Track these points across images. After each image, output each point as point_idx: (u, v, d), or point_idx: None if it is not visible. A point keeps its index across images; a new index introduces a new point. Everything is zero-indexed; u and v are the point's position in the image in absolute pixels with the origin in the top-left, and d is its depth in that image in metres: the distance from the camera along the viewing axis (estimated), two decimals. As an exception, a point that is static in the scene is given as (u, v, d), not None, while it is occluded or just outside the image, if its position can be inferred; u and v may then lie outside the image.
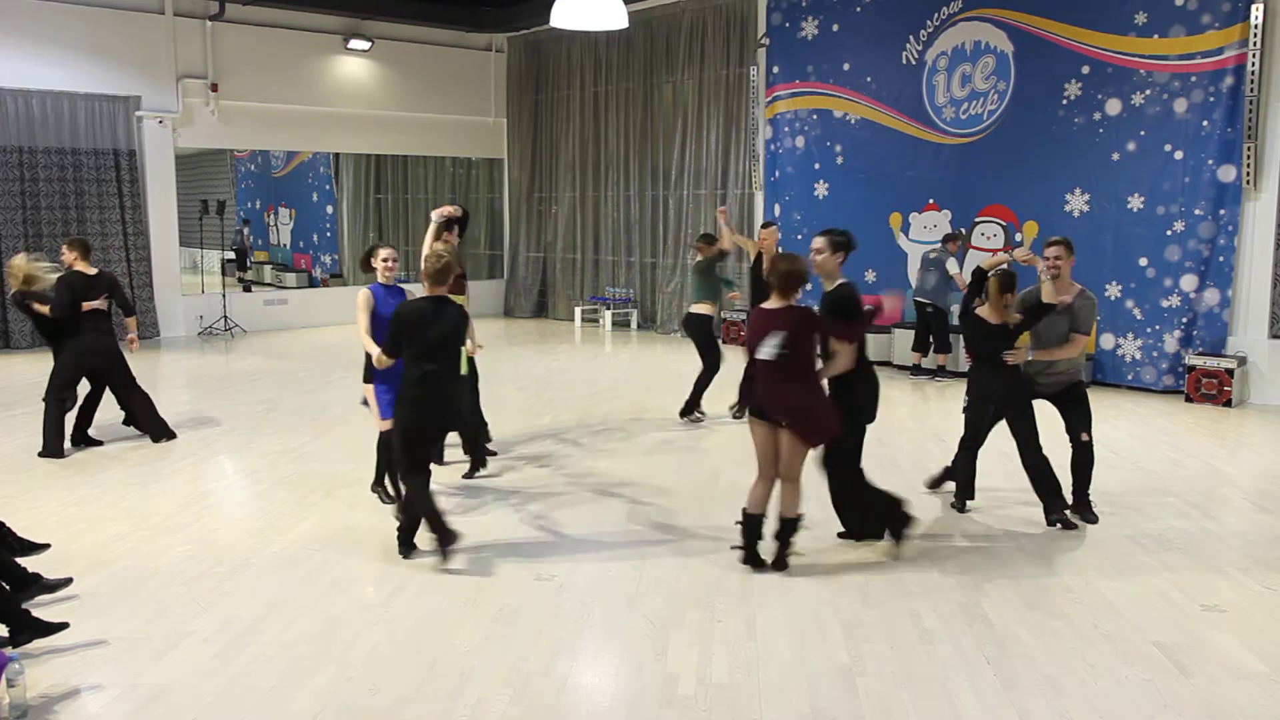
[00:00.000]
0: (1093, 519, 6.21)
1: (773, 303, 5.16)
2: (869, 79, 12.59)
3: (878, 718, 3.87)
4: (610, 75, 15.82)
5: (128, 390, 8.19)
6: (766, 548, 5.34)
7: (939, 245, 11.18)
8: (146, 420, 8.24)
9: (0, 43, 12.84)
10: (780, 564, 5.28)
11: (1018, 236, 11.39)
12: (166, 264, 14.31)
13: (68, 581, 4.98)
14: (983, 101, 11.58)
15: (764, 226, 9.63)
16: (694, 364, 9.62)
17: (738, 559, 5.35)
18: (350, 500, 6.63)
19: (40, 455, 7.76)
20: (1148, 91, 10.26)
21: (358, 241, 18.20)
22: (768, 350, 5.03)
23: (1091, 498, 6.31)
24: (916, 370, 11.40)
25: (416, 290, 5.64)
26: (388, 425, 5.95)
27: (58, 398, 7.83)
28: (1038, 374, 6.20)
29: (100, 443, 8.14)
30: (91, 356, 7.90)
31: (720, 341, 10.38)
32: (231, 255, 14.85)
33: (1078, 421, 6.18)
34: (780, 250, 8.99)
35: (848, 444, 5.39)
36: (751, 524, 5.32)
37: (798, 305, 5.14)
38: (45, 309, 7.73)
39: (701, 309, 9.03)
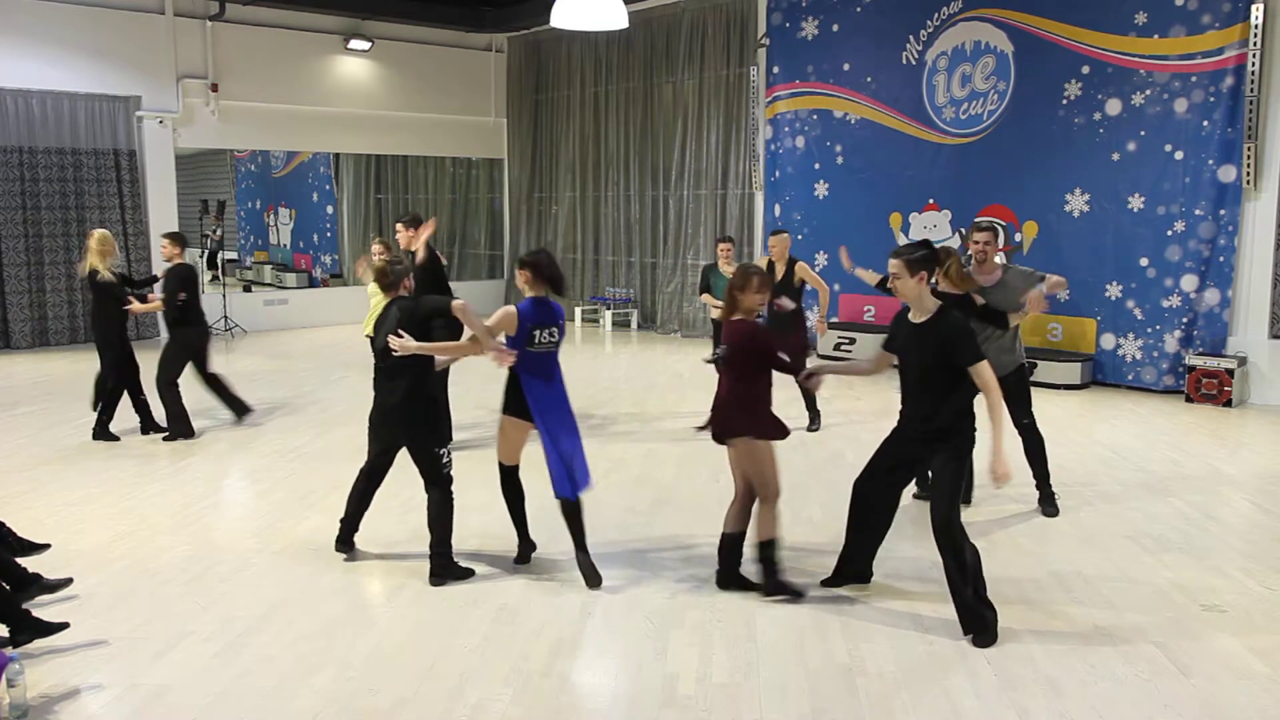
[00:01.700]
0: (1053, 512, 6.32)
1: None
2: (869, 79, 12.59)
3: (878, 718, 3.87)
4: (610, 75, 15.82)
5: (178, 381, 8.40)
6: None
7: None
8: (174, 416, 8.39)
9: (0, 43, 12.85)
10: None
11: (1017, 236, 11.39)
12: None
13: (68, 581, 4.98)
14: (983, 101, 11.58)
15: (774, 234, 9.19)
16: (693, 363, 9.63)
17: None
18: (350, 500, 6.63)
19: (166, 439, 8.16)
20: (1148, 91, 10.26)
21: (358, 242, 18.19)
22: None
23: (1055, 490, 6.43)
24: None
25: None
26: None
27: (172, 384, 8.18)
28: None
29: (117, 438, 8.22)
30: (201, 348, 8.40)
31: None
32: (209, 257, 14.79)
33: (1019, 408, 6.26)
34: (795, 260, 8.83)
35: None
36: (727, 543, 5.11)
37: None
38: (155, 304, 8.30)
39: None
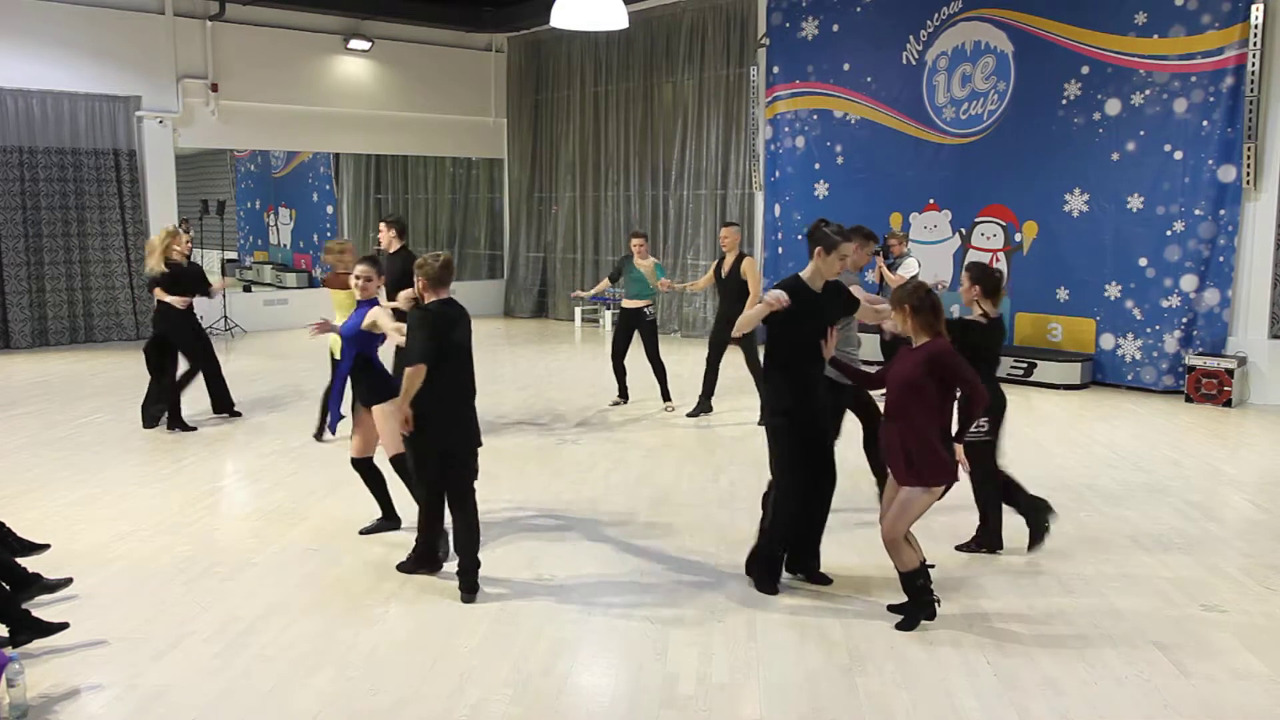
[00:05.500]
0: None
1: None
2: (869, 79, 12.59)
3: (878, 718, 3.87)
4: (610, 75, 15.81)
5: None
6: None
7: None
8: None
9: (0, 43, 12.85)
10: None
11: (1017, 236, 11.39)
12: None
13: (68, 581, 4.98)
14: (983, 101, 11.58)
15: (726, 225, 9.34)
16: (693, 364, 9.64)
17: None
18: (350, 500, 6.63)
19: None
20: (1147, 91, 10.25)
21: (358, 242, 18.18)
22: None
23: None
24: None
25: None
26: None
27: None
28: None
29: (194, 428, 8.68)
30: None
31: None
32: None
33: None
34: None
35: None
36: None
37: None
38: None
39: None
